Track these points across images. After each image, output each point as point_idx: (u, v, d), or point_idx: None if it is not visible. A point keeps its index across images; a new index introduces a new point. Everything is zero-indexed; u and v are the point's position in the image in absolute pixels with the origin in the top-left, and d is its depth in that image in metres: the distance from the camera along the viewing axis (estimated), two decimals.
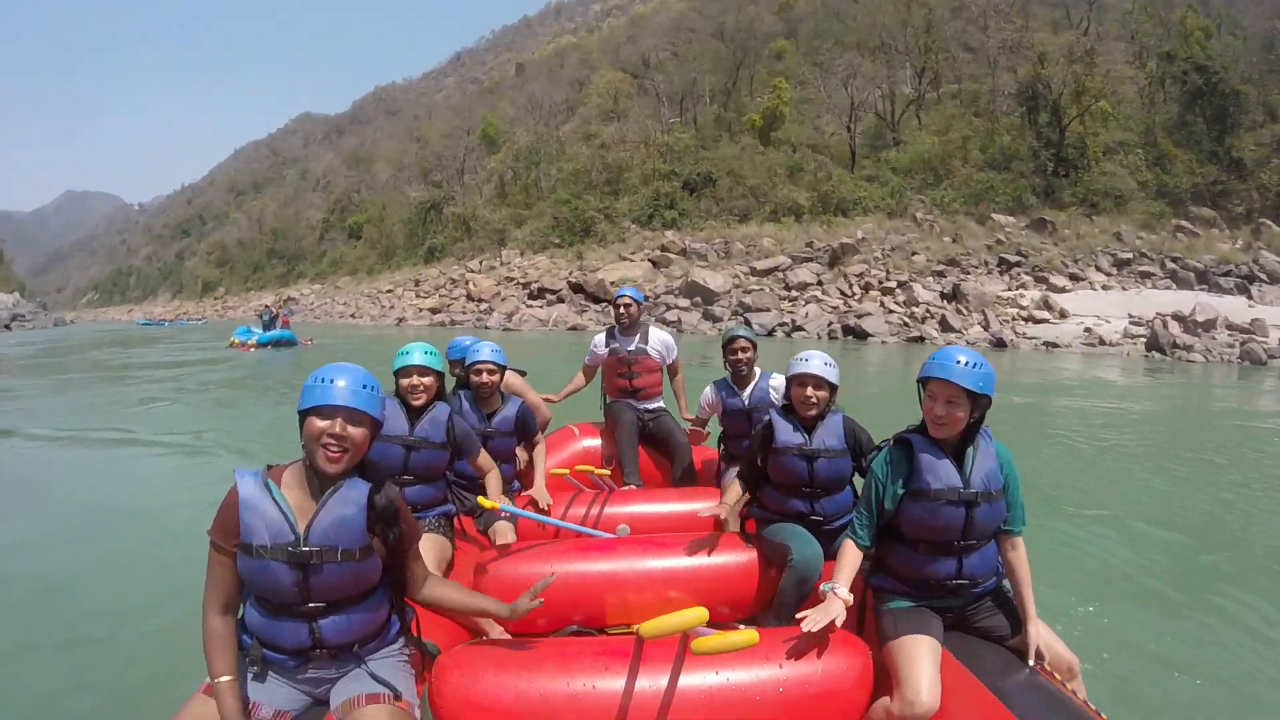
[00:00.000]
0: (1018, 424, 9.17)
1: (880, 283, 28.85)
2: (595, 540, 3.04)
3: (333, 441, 1.69)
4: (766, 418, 2.99)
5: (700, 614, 1.96)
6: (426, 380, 2.96)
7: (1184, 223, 32.01)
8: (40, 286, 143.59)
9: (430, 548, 2.70)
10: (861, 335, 24.68)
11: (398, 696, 1.77)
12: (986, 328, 24.16)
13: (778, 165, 38.50)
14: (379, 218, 56.45)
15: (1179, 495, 5.85)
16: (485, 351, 3.43)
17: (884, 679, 2.07)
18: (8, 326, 37.03)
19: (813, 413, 2.88)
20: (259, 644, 1.77)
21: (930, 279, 29.03)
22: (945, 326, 24.55)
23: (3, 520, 5.24)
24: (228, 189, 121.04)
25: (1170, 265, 28.95)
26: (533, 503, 3.48)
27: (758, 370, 3.89)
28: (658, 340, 4.45)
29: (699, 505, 3.38)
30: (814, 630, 2.01)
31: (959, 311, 25.74)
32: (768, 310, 27.40)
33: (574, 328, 28.11)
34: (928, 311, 25.96)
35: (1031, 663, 2.00)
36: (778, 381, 3.69)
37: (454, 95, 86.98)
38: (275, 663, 1.79)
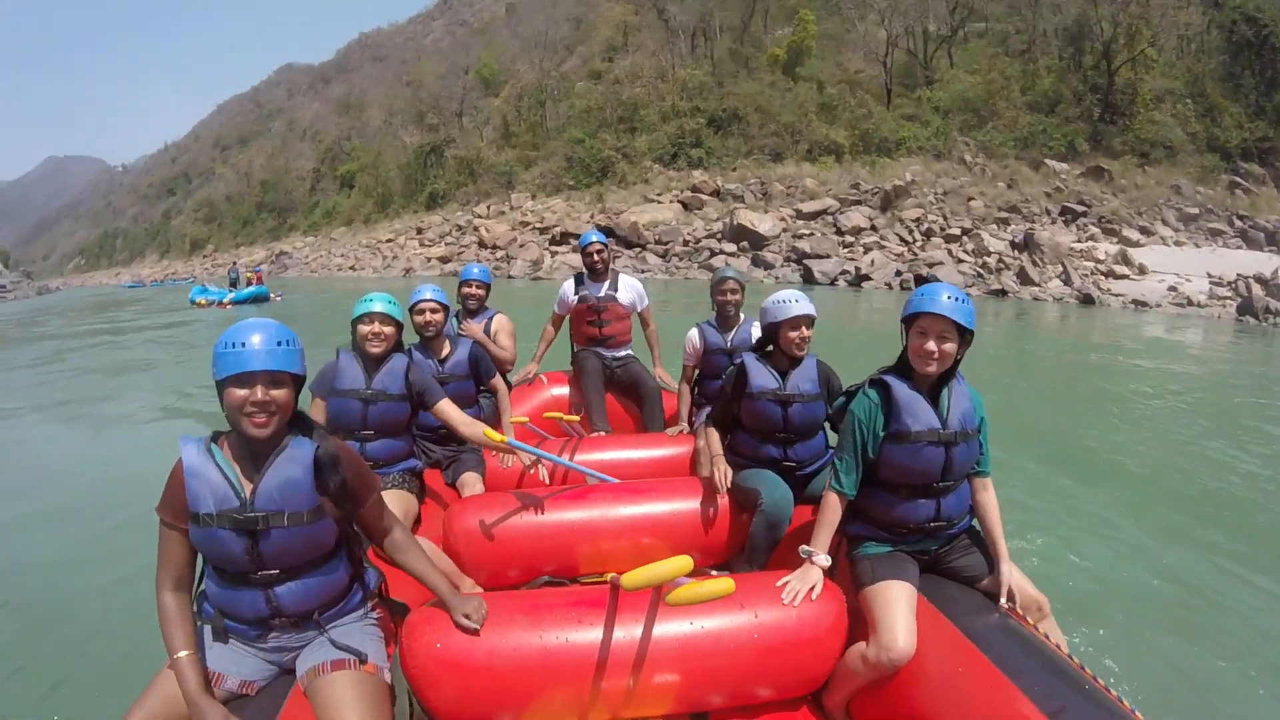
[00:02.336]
0: (1109, 384, 8.07)
1: (942, 229, 24.85)
2: (567, 489, 2.79)
3: (255, 409, 1.49)
4: (739, 360, 2.72)
5: (684, 563, 1.75)
6: (387, 329, 2.67)
7: (1238, 179, 28.20)
8: (27, 255, 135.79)
9: (395, 503, 2.43)
10: None
11: (363, 661, 1.62)
12: (1068, 282, 20.69)
13: (809, 102, 33.54)
14: (373, 165, 50.41)
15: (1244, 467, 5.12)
16: (427, 292, 3.14)
17: (858, 624, 1.95)
18: None
19: (803, 351, 2.63)
20: (220, 614, 1.63)
21: (994, 226, 25.18)
22: (1024, 279, 21.04)
23: None
24: (212, 144, 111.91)
25: (1239, 224, 25.27)
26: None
27: (743, 315, 3.58)
28: (628, 287, 4.05)
29: (670, 450, 3.33)
30: (795, 603, 1.92)
31: (1035, 263, 22.01)
32: (827, 257, 23.17)
33: None
34: (1001, 262, 22.35)
35: (1004, 603, 1.88)
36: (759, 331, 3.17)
37: (443, 39, 78.70)
38: (237, 632, 1.64)
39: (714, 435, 2.78)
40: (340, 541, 1.71)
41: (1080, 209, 26.19)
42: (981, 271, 22.21)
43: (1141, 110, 30.52)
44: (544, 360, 4.33)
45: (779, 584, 1.98)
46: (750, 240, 24.56)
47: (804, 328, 2.60)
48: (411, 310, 3.12)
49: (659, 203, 28.85)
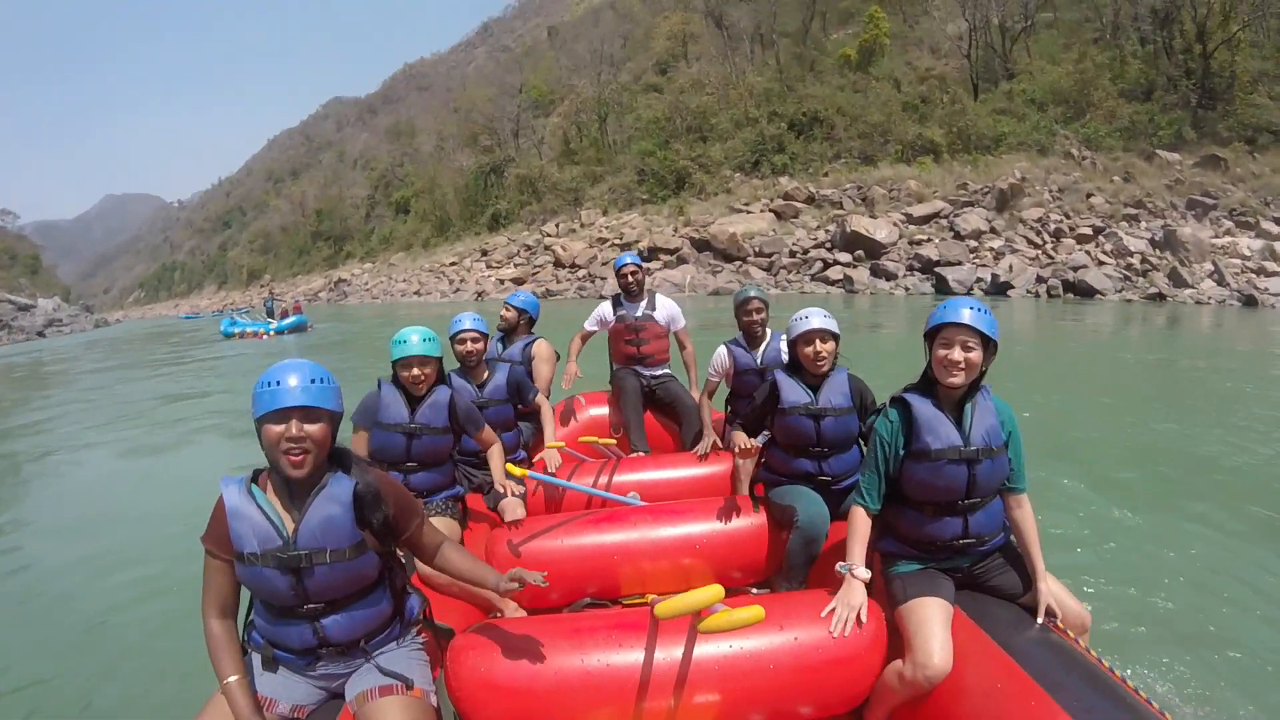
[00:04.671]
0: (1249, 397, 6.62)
1: (1071, 229, 21.11)
2: (606, 511, 2.70)
3: (292, 445, 1.46)
4: (771, 377, 2.62)
5: (715, 592, 1.70)
6: (428, 370, 2.58)
7: None
8: (88, 290, 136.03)
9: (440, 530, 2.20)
10: (1086, 292, 17.61)
11: (410, 686, 1.58)
12: (1221, 281, 17.12)
13: (892, 101, 30.04)
14: (429, 189, 47.87)
15: None
16: (466, 321, 3.11)
17: (897, 641, 1.83)
18: (41, 334, 29.96)
19: (824, 367, 2.52)
20: (269, 644, 1.60)
21: (1125, 224, 21.39)
22: (1177, 280, 17.33)
23: (19, 534, 4.75)
24: (265, 178, 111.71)
25: None
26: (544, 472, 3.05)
27: (769, 331, 3.44)
28: (664, 307, 3.98)
29: (709, 470, 3.21)
30: (845, 632, 1.81)
31: (1182, 263, 18.23)
32: (959, 264, 19.53)
33: (716, 292, 20.15)
34: (1146, 262, 18.68)
35: (1042, 619, 1.76)
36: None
37: (486, 65, 76.72)
38: (286, 661, 1.61)
39: (739, 433, 2.64)
40: (383, 572, 1.65)
41: (1209, 201, 22.28)
42: (1128, 274, 18.62)
43: (1240, 94, 26.39)
44: (582, 383, 3.99)
45: (824, 614, 1.86)
46: (866, 249, 21.14)
47: (818, 342, 2.49)
48: (452, 340, 3.06)
49: (748, 212, 25.54)
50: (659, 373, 3.92)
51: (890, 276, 20.05)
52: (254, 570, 1.48)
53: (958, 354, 1.76)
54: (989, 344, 1.79)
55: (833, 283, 20.09)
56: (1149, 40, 29.71)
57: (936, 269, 19.39)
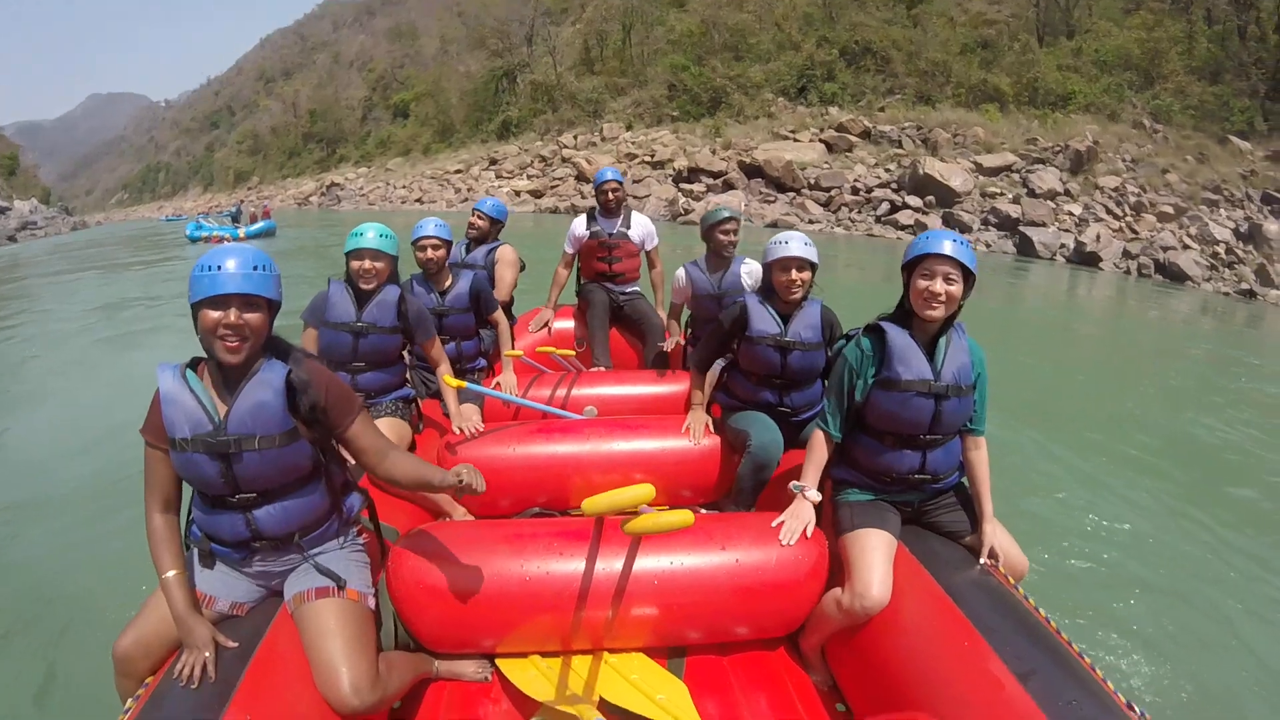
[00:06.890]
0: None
1: (1151, 205, 17.83)
2: (561, 422, 2.58)
3: (229, 332, 1.36)
4: (741, 300, 2.39)
5: (645, 491, 1.58)
6: (379, 265, 2.37)
7: None
8: (70, 191, 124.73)
9: (389, 431, 2.27)
10: (1177, 276, 14.44)
11: (342, 587, 1.50)
12: None
13: (952, 40, 25.90)
14: (431, 93, 42.12)
15: None
16: (429, 227, 2.84)
17: (838, 569, 1.78)
18: (12, 238, 25.60)
19: (796, 296, 2.30)
20: (206, 538, 1.53)
21: (1204, 208, 18.11)
22: (1263, 278, 14.00)
23: None
24: (256, 77, 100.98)
25: None
26: (499, 386, 2.88)
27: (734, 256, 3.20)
28: (640, 224, 3.69)
29: (667, 388, 3.09)
30: (791, 543, 1.77)
31: (1270, 259, 15.08)
32: (1044, 225, 16.21)
33: (774, 224, 16.54)
34: (1232, 254, 15.30)
35: (984, 561, 1.68)
36: (750, 267, 3.07)
37: None
38: (222, 555, 1.53)
39: (704, 382, 2.56)
40: (319, 465, 1.54)
41: None
42: (1214, 263, 15.52)
43: None
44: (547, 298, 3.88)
45: (774, 524, 1.82)
46: (937, 195, 17.66)
47: (794, 270, 2.26)
48: (414, 245, 2.84)
49: (795, 140, 21.67)
50: (628, 290, 3.69)
51: (965, 229, 16.71)
52: (185, 457, 1.39)
53: (939, 285, 1.63)
54: (969, 278, 1.66)
55: (903, 227, 16.71)
56: (1217, 20, 26.07)
57: (1020, 228, 16.13)
